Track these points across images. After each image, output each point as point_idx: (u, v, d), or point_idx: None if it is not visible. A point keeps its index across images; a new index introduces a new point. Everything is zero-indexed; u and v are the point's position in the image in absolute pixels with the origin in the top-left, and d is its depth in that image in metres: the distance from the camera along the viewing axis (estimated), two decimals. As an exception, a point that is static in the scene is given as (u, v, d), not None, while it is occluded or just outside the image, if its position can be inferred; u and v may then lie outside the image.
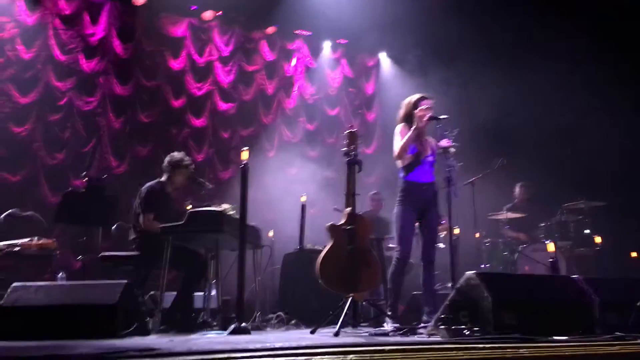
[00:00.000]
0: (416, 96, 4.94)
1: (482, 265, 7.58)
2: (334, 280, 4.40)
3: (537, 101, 8.82)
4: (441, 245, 6.18)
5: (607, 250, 7.52)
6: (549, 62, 8.59)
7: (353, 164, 4.60)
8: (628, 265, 7.53)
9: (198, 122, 8.96)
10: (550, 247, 4.45)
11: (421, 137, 4.85)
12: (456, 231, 7.10)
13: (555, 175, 8.38)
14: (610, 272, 7.12)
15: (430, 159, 4.87)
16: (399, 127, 4.89)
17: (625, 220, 7.94)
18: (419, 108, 4.77)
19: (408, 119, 4.87)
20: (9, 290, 4.07)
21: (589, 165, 8.32)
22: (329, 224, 4.58)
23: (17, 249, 5.74)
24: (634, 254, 7.53)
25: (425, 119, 4.75)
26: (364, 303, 5.42)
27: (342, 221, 4.58)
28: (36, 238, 5.90)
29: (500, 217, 7.81)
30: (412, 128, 4.75)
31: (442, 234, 6.18)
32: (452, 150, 4.71)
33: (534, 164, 8.31)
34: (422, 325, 4.36)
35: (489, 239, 7.83)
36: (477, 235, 7.58)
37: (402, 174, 4.87)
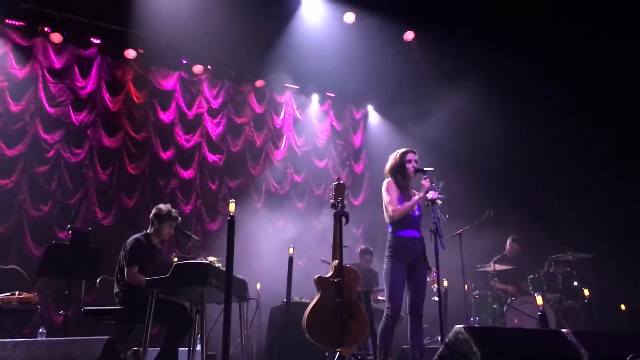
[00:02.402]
0: (401, 150, 5.01)
1: (472, 318, 7.51)
2: (320, 334, 4.34)
3: (525, 150, 8.95)
4: (435, 298, 6.10)
5: (596, 303, 7.48)
6: (539, 110, 8.78)
7: (340, 216, 4.60)
8: (617, 318, 7.49)
9: (186, 174, 8.97)
10: (539, 300, 4.43)
11: (409, 191, 4.90)
12: (445, 283, 7.07)
13: (542, 226, 8.40)
14: (599, 325, 7.07)
15: (417, 213, 4.90)
16: (387, 182, 4.92)
17: (614, 272, 7.93)
18: (423, 179, 4.82)
19: (395, 172, 4.92)
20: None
21: (576, 216, 8.38)
22: (316, 276, 4.54)
23: (-3, 303, 5.61)
24: (623, 307, 7.50)
25: (410, 172, 4.82)
26: (351, 358, 5.31)
27: (330, 273, 4.54)
28: (17, 292, 5.77)
29: (488, 269, 7.78)
30: (417, 197, 4.82)
31: (434, 286, 6.13)
32: (439, 202, 4.75)
33: (521, 214, 8.34)
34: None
35: (477, 291, 7.79)
36: (466, 287, 7.53)
37: (391, 229, 4.86)
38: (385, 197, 4.85)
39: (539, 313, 4.28)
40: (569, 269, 7.62)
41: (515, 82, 8.64)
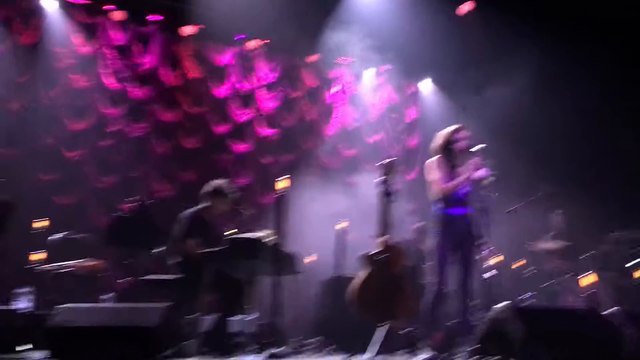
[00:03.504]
0: (452, 128, 4.97)
1: (524, 296, 7.44)
2: (369, 309, 4.45)
3: (585, 126, 8.69)
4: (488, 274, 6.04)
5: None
6: (599, 86, 8.48)
7: (387, 194, 4.66)
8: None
9: (241, 148, 9.19)
10: (589, 279, 4.37)
11: (457, 169, 4.88)
12: (499, 259, 7.01)
13: (601, 204, 8.18)
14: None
15: (465, 189, 4.87)
16: (436, 160, 4.91)
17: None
18: (473, 157, 4.78)
19: (444, 150, 4.91)
20: (56, 311, 4.28)
21: (631, 195, 8.12)
22: (362, 253, 4.63)
23: (69, 270, 6.00)
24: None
25: (461, 150, 4.80)
26: (400, 332, 5.41)
27: (377, 250, 4.63)
28: (87, 260, 6.14)
29: (541, 246, 7.66)
30: (465, 175, 4.78)
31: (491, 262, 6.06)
32: (489, 180, 4.72)
33: (579, 192, 8.13)
34: (458, 355, 4.34)
35: (531, 268, 7.69)
36: (520, 263, 7.45)
37: (438, 206, 4.87)
38: (432, 174, 4.85)
39: (588, 292, 4.25)
40: (626, 247, 7.41)
41: (573, 58, 8.32)
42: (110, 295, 6.21)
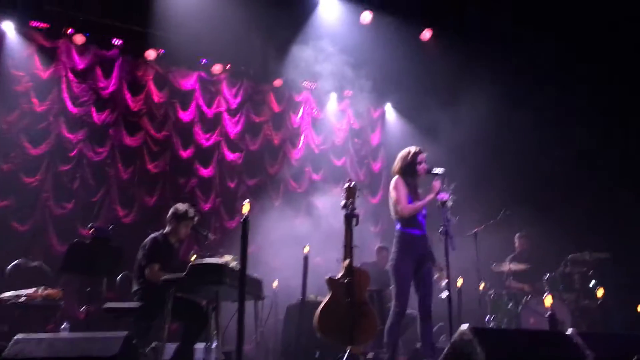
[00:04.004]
0: (413, 149, 5.07)
1: (487, 318, 7.53)
2: (332, 332, 4.43)
3: (543, 151, 8.92)
4: (443, 295, 6.14)
5: (613, 303, 7.45)
6: (557, 113, 8.74)
7: (350, 218, 4.68)
8: (634, 319, 7.43)
9: (205, 172, 9.13)
10: (548, 300, 4.45)
11: (416, 190, 4.97)
12: (459, 282, 7.10)
13: (559, 225, 8.37)
14: (615, 326, 7.04)
15: (424, 211, 4.97)
16: (397, 180, 4.98)
17: (631, 273, 7.88)
18: (435, 180, 4.90)
19: (405, 171, 4.99)
20: (11, 342, 4.12)
21: (593, 215, 8.34)
22: (327, 276, 4.63)
23: (22, 299, 5.81)
24: (639, 308, 7.44)
25: (421, 172, 4.89)
26: (362, 356, 5.39)
27: (340, 274, 4.62)
28: (42, 288, 5.97)
29: (504, 268, 7.79)
30: (429, 197, 4.89)
31: (441, 283, 6.16)
32: (450, 204, 4.80)
33: (537, 214, 8.32)
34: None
35: (493, 291, 7.80)
36: (481, 286, 7.55)
37: (399, 226, 4.94)
38: (394, 195, 4.92)
39: (548, 313, 4.31)
40: (585, 268, 7.59)
41: (533, 84, 8.59)
42: (66, 324, 6.02)
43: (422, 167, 5.01)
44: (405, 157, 5.06)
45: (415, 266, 4.84)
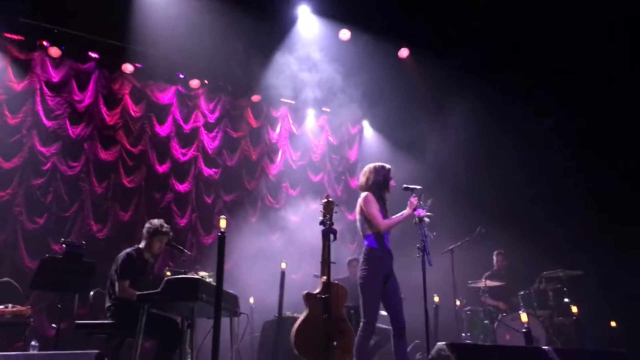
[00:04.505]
0: (384, 166, 5.12)
1: (463, 335, 7.55)
2: (308, 349, 4.39)
3: (518, 170, 9.03)
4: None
5: (588, 320, 7.53)
6: (534, 131, 8.88)
7: (328, 234, 4.66)
8: (608, 335, 7.52)
9: (182, 187, 9.04)
10: (523, 317, 4.48)
11: (385, 206, 4.99)
12: (436, 299, 7.13)
13: (534, 243, 8.46)
14: (589, 342, 7.11)
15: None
16: (369, 196, 4.97)
17: (605, 290, 7.98)
18: (412, 197, 4.92)
19: (378, 187, 5.00)
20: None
21: (567, 233, 8.45)
22: (305, 292, 4.59)
23: (-10, 315, 5.65)
24: (613, 324, 7.53)
25: (392, 188, 4.93)
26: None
27: (318, 289, 4.59)
28: (10, 305, 5.81)
29: (479, 285, 7.84)
30: (405, 213, 4.91)
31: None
32: (427, 220, 4.82)
33: (512, 231, 8.40)
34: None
35: (469, 307, 7.83)
36: (457, 303, 7.57)
37: (367, 242, 4.92)
38: (369, 210, 4.89)
39: (524, 330, 4.33)
40: (559, 285, 7.66)
41: (509, 103, 8.73)
42: (35, 342, 5.87)
43: (392, 183, 5.05)
44: (378, 172, 5.06)
45: (384, 281, 4.81)
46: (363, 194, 4.99)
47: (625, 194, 8.37)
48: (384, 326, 5.56)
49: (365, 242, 4.93)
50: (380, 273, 4.79)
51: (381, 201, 4.98)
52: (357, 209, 5.01)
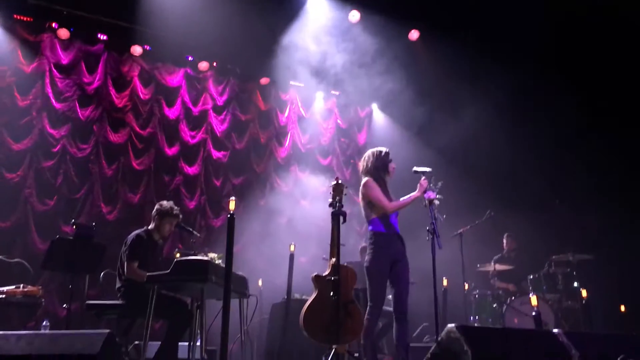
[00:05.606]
0: (384, 150, 5.10)
1: (471, 318, 7.55)
2: (317, 331, 4.40)
3: (527, 153, 8.97)
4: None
5: (597, 304, 7.51)
6: (542, 115, 8.80)
7: (337, 216, 4.65)
8: (617, 319, 7.51)
9: (191, 170, 9.06)
10: (533, 300, 4.47)
11: (387, 189, 4.96)
12: (444, 282, 7.12)
13: (543, 227, 8.43)
14: (598, 326, 7.10)
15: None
16: (370, 181, 4.95)
17: (614, 274, 7.96)
18: (422, 179, 4.89)
19: (379, 171, 4.99)
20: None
21: (577, 217, 8.41)
22: (314, 274, 4.60)
23: (2, 296, 5.70)
24: (622, 308, 7.52)
25: (392, 172, 4.94)
26: (347, 355, 5.37)
27: (327, 271, 4.60)
28: (22, 285, 5.87)
29: (488, 268, 7.82)
30: (414, 195, 4.87)
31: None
32: (437, 202, 4.79)
33: (522, 215, 8.37)
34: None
35: (477, 291, 7.83)
36: (466, 286, 7.57)
37: (374, 226, 4.90)
38: (373, 195, 4.88)
39: (534, 313, 4.33)
40: (569, 269, 7.64)
41: (519, 86, 8.63)
42: (46, 322, 5.93)
43: (392, 166, 5.03)
44: (378, 157, 5.04)
45: (390, 266, 4.80)
46: (363, 180, 5.00)
47: (636, 179, 8.29)
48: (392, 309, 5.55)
49: (370, 227, 4.92)
50: (386, 257, 4.77)
51: (383, 185, 4.96)
52: (360, 195, 5.00)
